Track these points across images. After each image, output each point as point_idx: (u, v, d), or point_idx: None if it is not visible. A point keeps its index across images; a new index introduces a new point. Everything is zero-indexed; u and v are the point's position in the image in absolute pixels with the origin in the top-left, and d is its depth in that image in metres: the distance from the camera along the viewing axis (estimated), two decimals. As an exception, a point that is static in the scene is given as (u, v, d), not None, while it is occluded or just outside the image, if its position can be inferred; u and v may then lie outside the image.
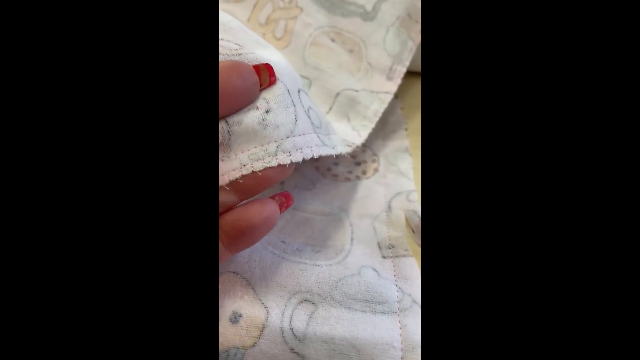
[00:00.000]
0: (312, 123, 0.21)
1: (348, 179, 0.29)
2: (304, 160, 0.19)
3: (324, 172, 0.29)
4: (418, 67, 0.34)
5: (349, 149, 0.25)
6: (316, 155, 0.20)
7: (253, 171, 0.17)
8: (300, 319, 0.20)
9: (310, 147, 0.19)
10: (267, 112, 0.18)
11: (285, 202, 0.20)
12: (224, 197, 0.18)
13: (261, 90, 0.19)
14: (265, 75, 0.18)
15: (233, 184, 0.18)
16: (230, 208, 0.18)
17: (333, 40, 0.31)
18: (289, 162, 0.18)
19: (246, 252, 0.22)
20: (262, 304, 0.20)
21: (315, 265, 0.22)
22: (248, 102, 0.18)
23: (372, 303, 0.20)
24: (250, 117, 0.18)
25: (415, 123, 0.33)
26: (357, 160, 0.30)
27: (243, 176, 0.17)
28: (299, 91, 0.21)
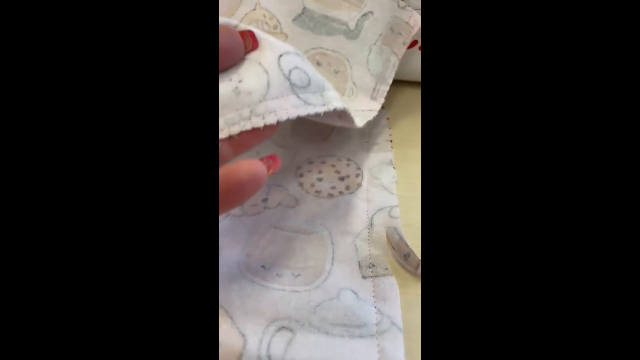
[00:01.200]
0: (293, 84, 0.22)
1: (331, 195, 0.29)
2: (287, 119, 0.20)
3: (308, 189, 0.29)
4: (403, 76, 0.34)
5: (342, 106, 0.25)
6: (292, 117, 0.21)
7: (230, 135, 0.19)
8: (278, 347, 0.20)
9: (285, 109, 0.21)
10: (239, 81, 0.20)
11: (272, 164, 0.21)
12: None
13: (246, 53, 0.21)
14: (248, 40, 0.21)
15: None
16: None
17: (319, 64, 0.31)
18: (262, 125, 0.20)
19: (225, 281, 0.22)
20: (240, 332, 0.20)
21: (294, 291, 0.22)
22: (234, 61, 0.20)
23: (351, 327, 0.21)
24: (224, 87, 0.19)
25: (400, 134, 0.33)
26: (341, 175, 0.30)
27: (221, 140, 0.19)
28: (279, 56, 0.22)
